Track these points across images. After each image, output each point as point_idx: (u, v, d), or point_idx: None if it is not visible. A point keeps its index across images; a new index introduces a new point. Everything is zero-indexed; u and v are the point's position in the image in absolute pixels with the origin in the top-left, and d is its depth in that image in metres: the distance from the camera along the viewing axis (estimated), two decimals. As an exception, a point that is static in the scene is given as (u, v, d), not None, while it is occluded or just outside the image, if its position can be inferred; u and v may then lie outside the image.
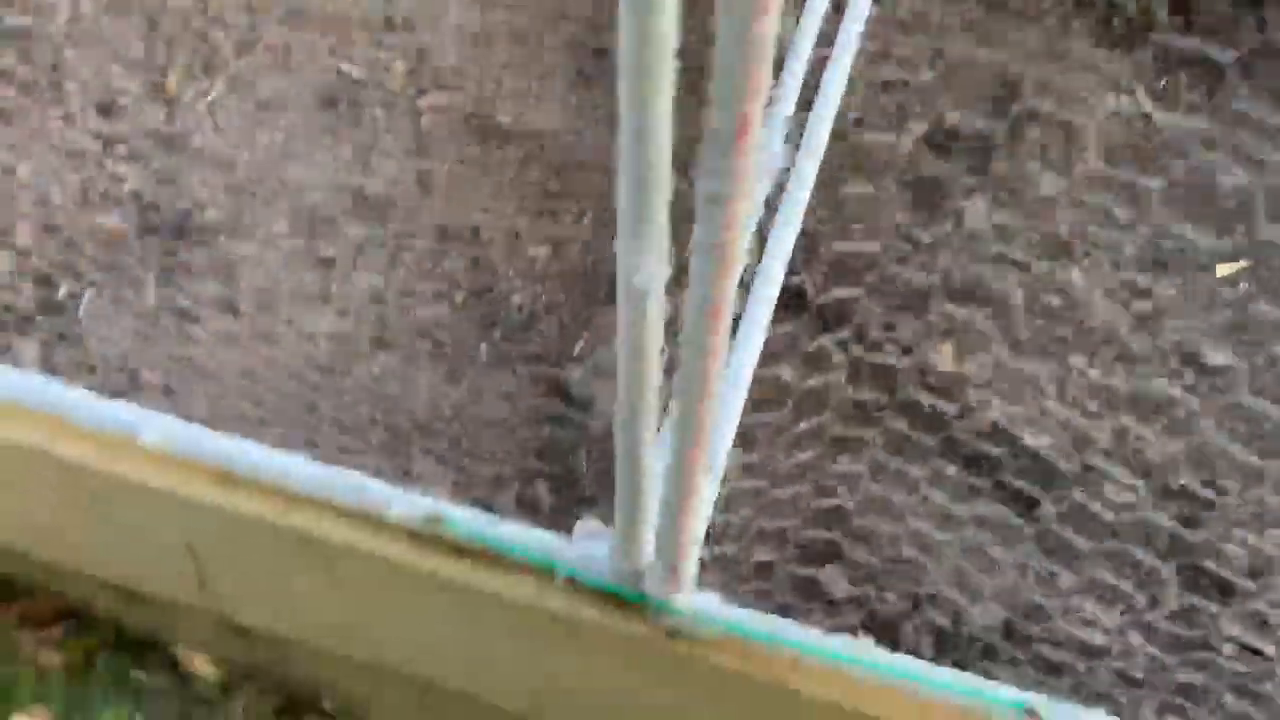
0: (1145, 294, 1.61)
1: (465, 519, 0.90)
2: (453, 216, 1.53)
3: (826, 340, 1.52)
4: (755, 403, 1.44)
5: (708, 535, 1.29)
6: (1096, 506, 1.31)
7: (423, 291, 1.45)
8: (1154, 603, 1.23)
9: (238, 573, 1.04)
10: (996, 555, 1.28)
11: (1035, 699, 0.81)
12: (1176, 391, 1.49)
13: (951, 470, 1.39)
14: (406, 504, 0.91)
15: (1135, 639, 1.18)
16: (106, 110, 1.60)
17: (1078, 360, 1.51)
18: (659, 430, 0.74)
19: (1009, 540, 1.30)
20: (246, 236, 1.48)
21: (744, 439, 1.41)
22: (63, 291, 1.39)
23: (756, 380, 1.47)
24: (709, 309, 0.62)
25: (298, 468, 0.93)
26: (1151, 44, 1.86)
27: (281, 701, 1.20)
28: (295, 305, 1.42)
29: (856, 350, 1.50)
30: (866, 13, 1.55)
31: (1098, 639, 1.17)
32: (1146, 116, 1.82)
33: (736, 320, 1.11)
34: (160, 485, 0.94)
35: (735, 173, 0.54)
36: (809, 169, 1.27)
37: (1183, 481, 1.36)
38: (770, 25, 0.48)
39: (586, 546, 0.87)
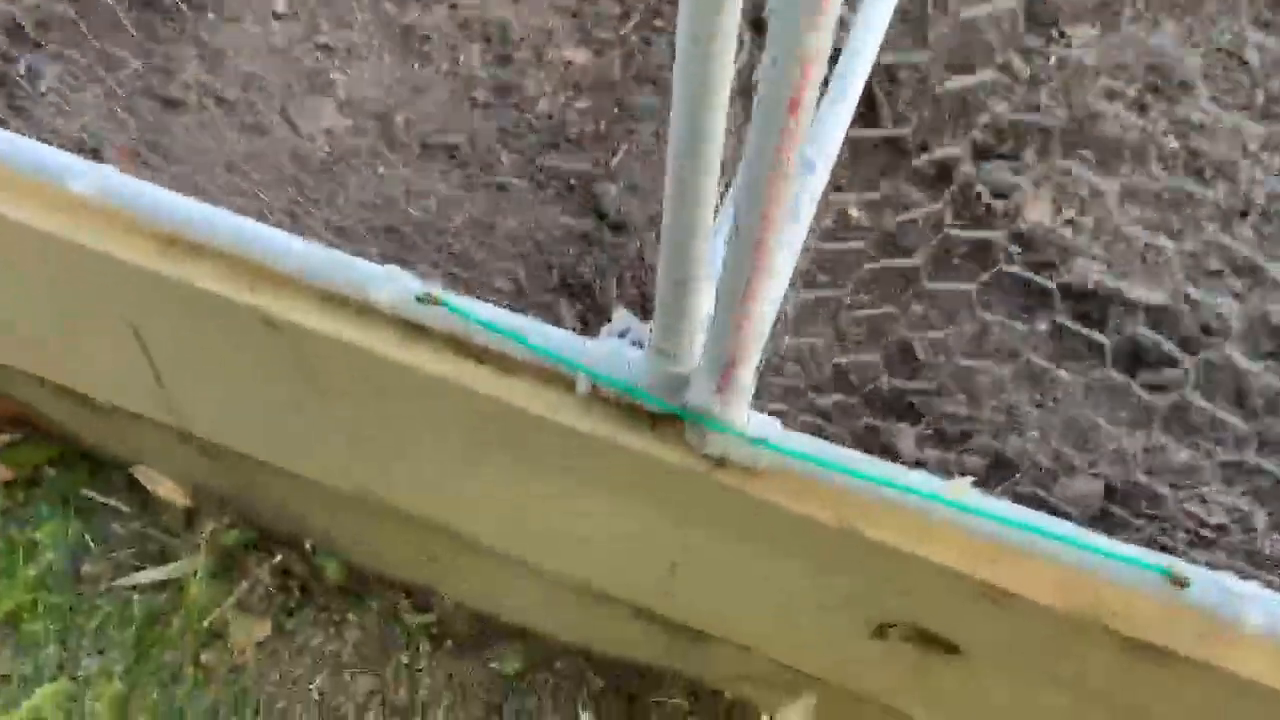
0: (1275, 145, 1.38)
1: (467, 304, 0.71)
2: (478, 9, 1.31)
3: (913, 178, 1.31)
4: (832, 237, 1.24)
5: (764, 363, 1.10)
6: (1216, 373, 1.11)
7: (439, 90, 1.24)
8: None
9: (194, 368, 0.86)
10: (1096, 422, 1.09)
11: (1179, 563, 0.62)
12: (1311, 252, 1.27)
13: (1045, 326, 1.19)
14: (396, 285, 0.72)
15: (1260, 520, 0.99)
16: None
17: (1198, 214, 1.29)
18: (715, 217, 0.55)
19: (1111, 407, 1.11)
20: (238, 15, 1.28)
21: (816, 271, 1.21)
22: (22, 66, 1.20)
23: (834, 216, 1.27)
24: (791, 63, 0.42)
25: (262, 236, 0.74)
26: None
27: (252, 536, 1.04)
28: (290, 95, 1.22)
29: (947, 190, 1.29)
30: None
31: (1215, 518, 0.98)
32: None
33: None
34: (95, 247, 0.76)
35: None
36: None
37: (1318, 352, 1.15)
38: None
39: (616, 345, 0.68)
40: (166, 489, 1.06)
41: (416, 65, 1.26)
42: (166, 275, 0.76)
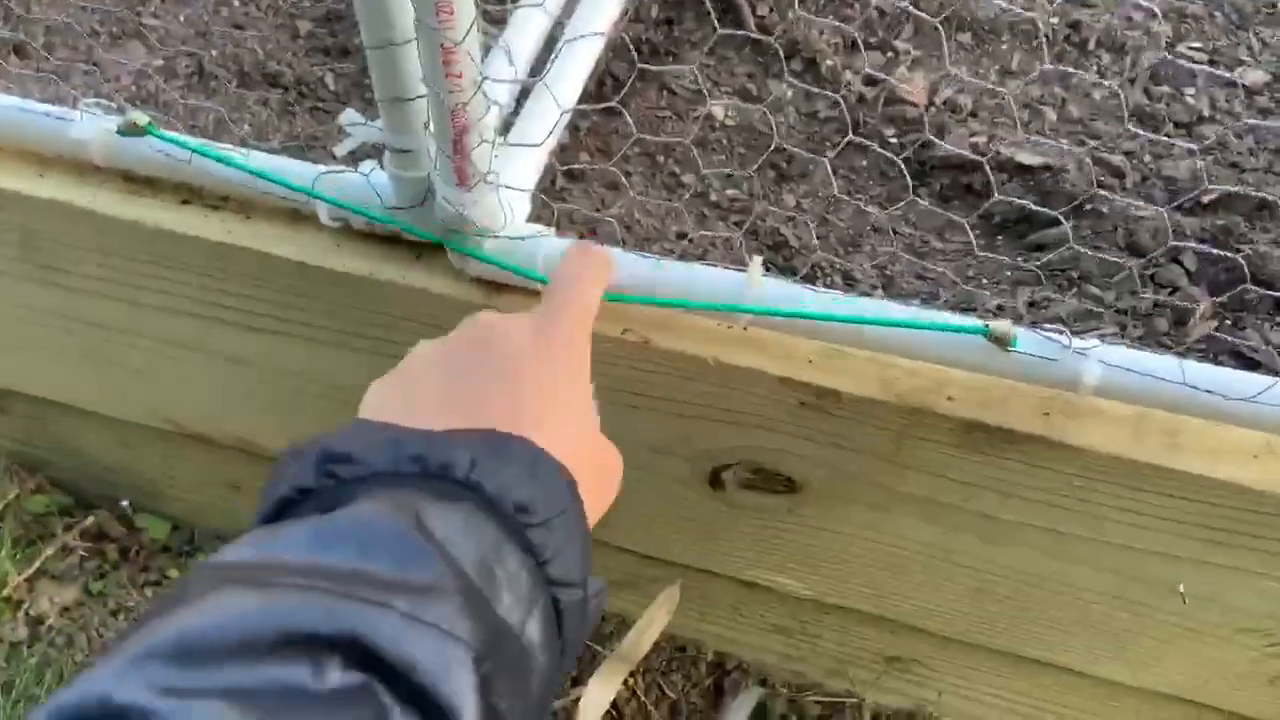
0: (1163, 13, 1.31)
1: (179, 136, 0.62)
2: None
3: (781, 75, 1.23)
4: (699, 143, 1.16)
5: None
6: (1104, 223, 1.03)
7: (259, 24, 1.17)
8: (1180, 325, 0.95)
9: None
10: (980, 284, 1.00)
11: (1000, 321, 0.53)
12: (1205, 109, 1.20)
13: (927, 200, 1.11)
14: (97, 122, 0.63)
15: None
16: None
17: (1082, 81, 1.21)
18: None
19: (997, 267, 1.02)
20: (44, -27, 1.20)
21: (656, 171, 1.13)
22: None
23: (676, 116, 1.19)
24: None
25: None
26: None
27: (66, 501, 0.94)
28: (98, 41, 1.14)
29: (806, 81, 1.22)
30: None
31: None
32: None
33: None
34: None
35: None
36: None
37: (1213, 198, 1.07)
38: None
39: (362, 170, 0.59)
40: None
41: (235, 3, 1.19)
42: None
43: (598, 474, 0.47)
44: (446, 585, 0.34)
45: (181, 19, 1.18)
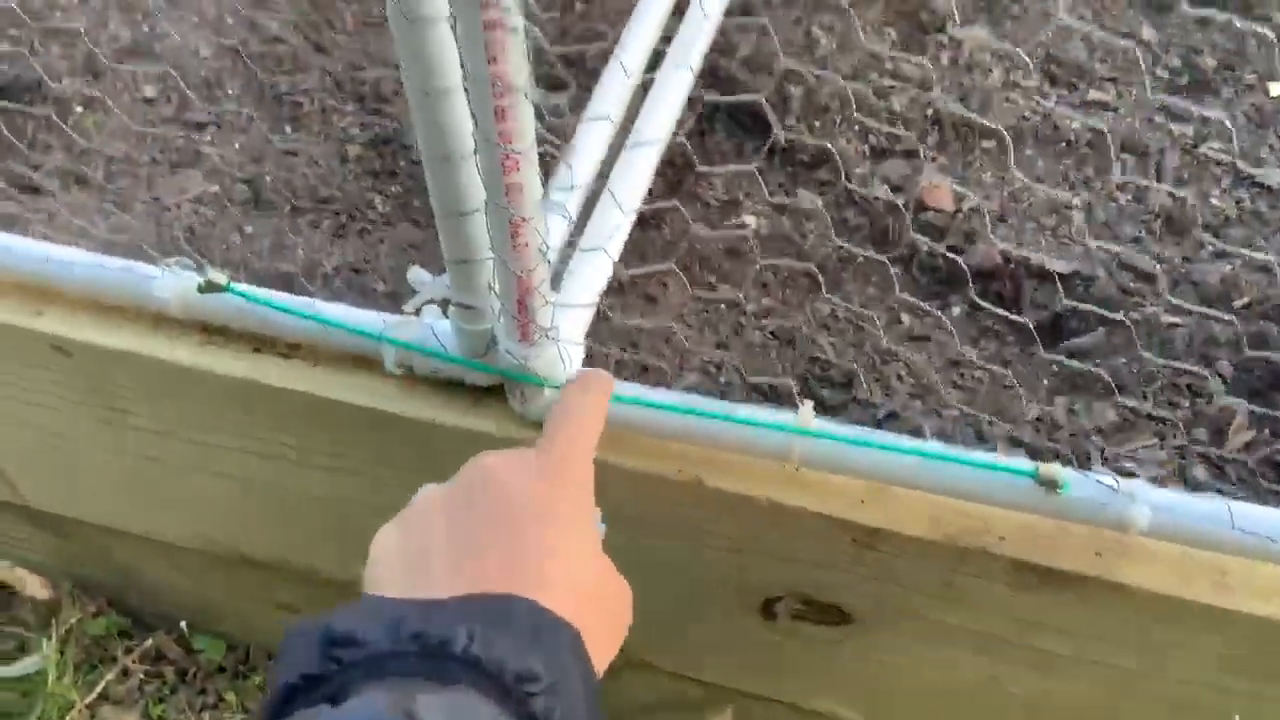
0: (1184, 117, 1.34)
1: (256, 291, 0.66)
2: (351, 71, 1.30)
3: (810, 184, 1.27)
4: (731, 251, 1.19)
5: (671, 380, 1.03)
6: (1140, 333, 1.04)
7: (312, 148, 1.22)
8: (1218, 436, 0.95)
9: (6, 418, 0.80)
10: (1017, 395, 1.02)
11: (1047, 466, 0.55)
12: (1231, 211, 1.22)
13: (958, 310, 1.13)
14: (178, 279, 0.66)
15: (1198, 473, 0.90)
16: (-42, -9, 1.40)
17: (1106, 186, 1.24)
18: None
19: (1032, 378, 1.04)
20: (105, 106, 1.26)
21: (716, 281, 1.16)
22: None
23: (709, 227, 1.22)
24: None
25: (38, 252, 0.69)
26: None
27: (124, 623, 0.96)
28: (157, 170, 1.20)
29: (836, 191, 1.25)
30: None
31: (1149, 472, 0.90)
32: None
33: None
34: None
35: None
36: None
37: (1247, 300, 1.09)
38: None
39: (426, 317, 0.62)
40: (18, 578, 0.98)
41: (288, 129, 1.24)
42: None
43: (607, 611, 0.48)
44: None
45: (237, 146, 1.23)
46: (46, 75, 1.28)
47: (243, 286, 0.65)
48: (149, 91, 1.29)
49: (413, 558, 0.46)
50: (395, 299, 1.06)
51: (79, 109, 1.26)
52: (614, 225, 0.69)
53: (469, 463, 0.51)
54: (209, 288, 0.64)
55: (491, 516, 0.46)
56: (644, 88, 1.06)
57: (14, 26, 1.34)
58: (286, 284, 1.07)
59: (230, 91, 1.29)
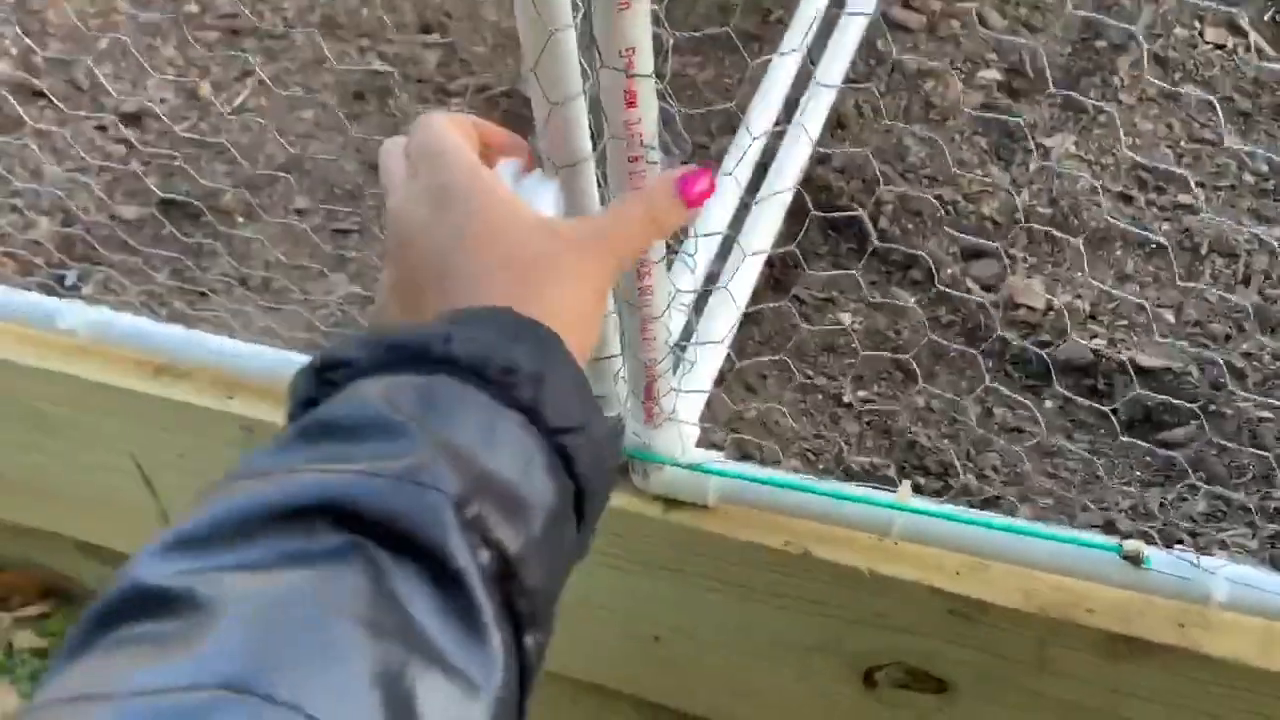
0: (1272, 219, 1.38)
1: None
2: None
3: (905, 284, 1.34)
4: (814, 349, 1.27)
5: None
6: (1226, 424, 1.07)
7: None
8: (1319, 526, 0.97)
9: (191, 491, 0.91)
10: (1110, 485, 1.05)
11: (1133, 541, 0.60)
12: (1322, 309, 1.25)
13: (1050, 403, 1.18)
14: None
15: (1298, 562, 0.93)
16: (137, 119, 1.59)
17: (1196, 285, 1.28)
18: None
19: (1125, 469, 1.07)
20: (264, 216, 1.41)
21: (792, 377, 1.23)
22: (70, 278, 1.34)
23: (809, 323, 1.30)
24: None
25: (230, 348, 0.81)
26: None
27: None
28: (308, 275, 1.33)
29: (928, 290, 1.32)
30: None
31: (1243, 561, 0.92)
32: (1250, 45, 1.61)
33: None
34: (93, 379, 0.83)
35: None
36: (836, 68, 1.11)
37: (1340, 396, 1.11)
38: None
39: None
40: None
41: (421, 236, 1.37)
42: (157, 395, 0.82)
43: (590, 331, 0.47)
44: (422, 447, 0.37)
45: (378, 250, 1.36)
46: (211, 192, 1.44)
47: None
48: (301, 203, 1.44)
49: (407, 295, 0.47)
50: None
51: (240, 219, 1.41)
52: (728, 320, 0.77)
53: (445, 166, 0.47)
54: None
55: (467, 241, 0.45)
56: (753, 190, 1.14)
57: (186, 147, 1.52)
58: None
59: (370, 203, 1.43)
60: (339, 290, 1.31)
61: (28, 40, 1.68)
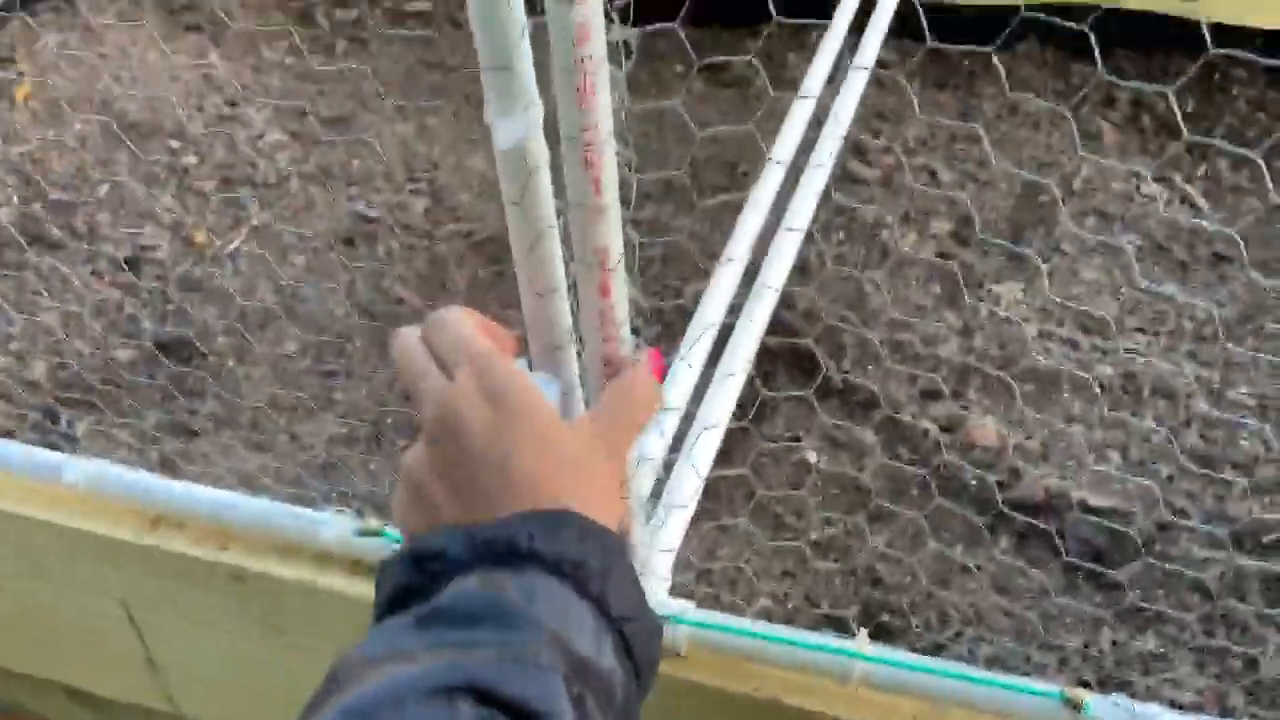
0: (1210, 363, 1.47)
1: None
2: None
3: (865, 422, 1.41)
4: (791, 484, 1.32)
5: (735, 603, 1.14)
6: (1178, 565, 1.13)
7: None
8: (1252, 665, 1.03)
9: (179, 641, 0.94)
10: (1063, 623, 1.11)
11: (1073, 689, 0.65)
12: (1259, 450, 1.33)
13: (1005, 540, 1.23)
14: (340, 524, 0.82)
15: (1237, 699, 0.98)
16: (134, 263, 1.66)
17: (1140, 426, 1.36)
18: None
19: (1075, 607, 1.13)
20: (252, 358, 1.47)
21: (782, 514, 1.28)
22: (64, 419, 1.39)
23: (775, 461, 1.36)
24: (581, 153, 0.55)
25: (226, 499, 0.86)
26: (1184, 138, 1.81)
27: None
28: (296, 415, 1.38)
29: (888, 430, 1.39)
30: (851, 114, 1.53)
31: (1187, 699, 0.97)
32: (1188, 201, 1.74)
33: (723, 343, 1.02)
34: (89, 529, 0.88)
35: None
36: (803, 210, 1.20)
37: (1277, 536, 1.18)
38: None
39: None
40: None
41: (406, 379, 1.43)
42: (151, 546, 0.86)
43: (609, 488, 0.55)
44: (537, 635, 0.44)
45: (364, 392, 1.42)
46: (203, 333, 1.51)
47: (391, 529, 0.79)
48: (290, 347, 1.50)
49: (459, 482, 0.52)
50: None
51: (231, 362, 1.47)
52: (694, 486, 0.83)
53: (494, 372, 0.54)
54: (368, 532, 0.79)
55: (526, 442, 0.52)
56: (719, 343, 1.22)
57: (180, 291, 1.59)
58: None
59: (358, 345, 1.50)
60: (326, 431, 1.36)
61: (30, 186, 1.76)
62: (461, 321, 0.57)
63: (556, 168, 0.58)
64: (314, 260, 1.66)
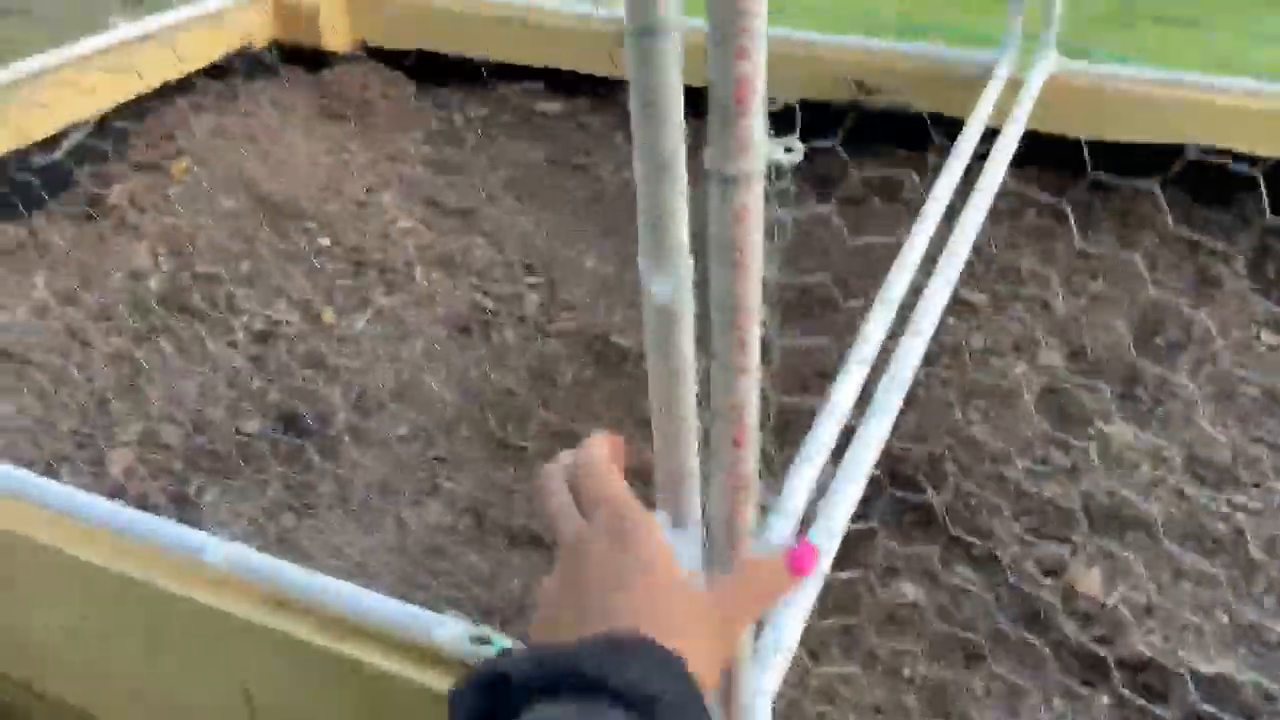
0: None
1: (515, 644, 0.83)
2: (566, 423, 1.55)
3: (966, 559, 1.39)
4: (890, 618, 1.31)
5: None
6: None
7: (528, 490, 1.44)
8: None
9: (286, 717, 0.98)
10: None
11: None
12: (1383, 626, 1.27)
13: (1106, 699, 1.20)
14: (454, 628, 0.85)
15: None
16: (265, 337, 1.75)
17: (1252, 589, 1.32)
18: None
19: (1180, 778, 1.09)
20: (368, 440, 1.54)
21: (877, 647, 1.27)
22: (194, 487, 1.46)
23: (876, 597, 1.35)
24: (730, 319, 0.59)
25: (348, 592, 0.90)
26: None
27: None
28: (404, 498, 1.43)
29: (989, 569, 1.37)
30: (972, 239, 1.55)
31: None
32: (1309, 350, 1.70)
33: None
34: (219, 607, 0.93)
35: (740, 145, 0.53)
36: (914, 347, 1.22)
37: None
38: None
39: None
40: None
41: (512, 470, 1.47)
42: (276, 629, 0.91)
43: (711, 647, 0.56)
44: None
45: (470, 482, 1.46)
46: (324, 410, 1.58)
47: (505, 641, 0.82)
48: (402, 429, 1.56)
49: (576, 609, 0.55)
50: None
51: (347, 439, 1.53)
52: (796, 630, 0.84)
53: (625, 517, 0.58)
54: (478, 639, 0.82)
55: (638, 588, 0.55)
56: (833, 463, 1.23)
57: (305, 367, 1.67)
58: (517, 611, 1.25)
59: (464, 433, 1.55)
60: (431, 518, 1.40)
61: (179, 258, 1.88)
62: (607, 470, 0.61)
63: (701, 316, 0.62)
64: (431, 346, 1.73)
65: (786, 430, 1.50)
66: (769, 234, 0.58)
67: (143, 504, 1.43)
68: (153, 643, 1.00)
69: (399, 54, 2.51)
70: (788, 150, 0.54)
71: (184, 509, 1.42)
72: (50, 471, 1.45)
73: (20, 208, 1.96)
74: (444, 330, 1.77)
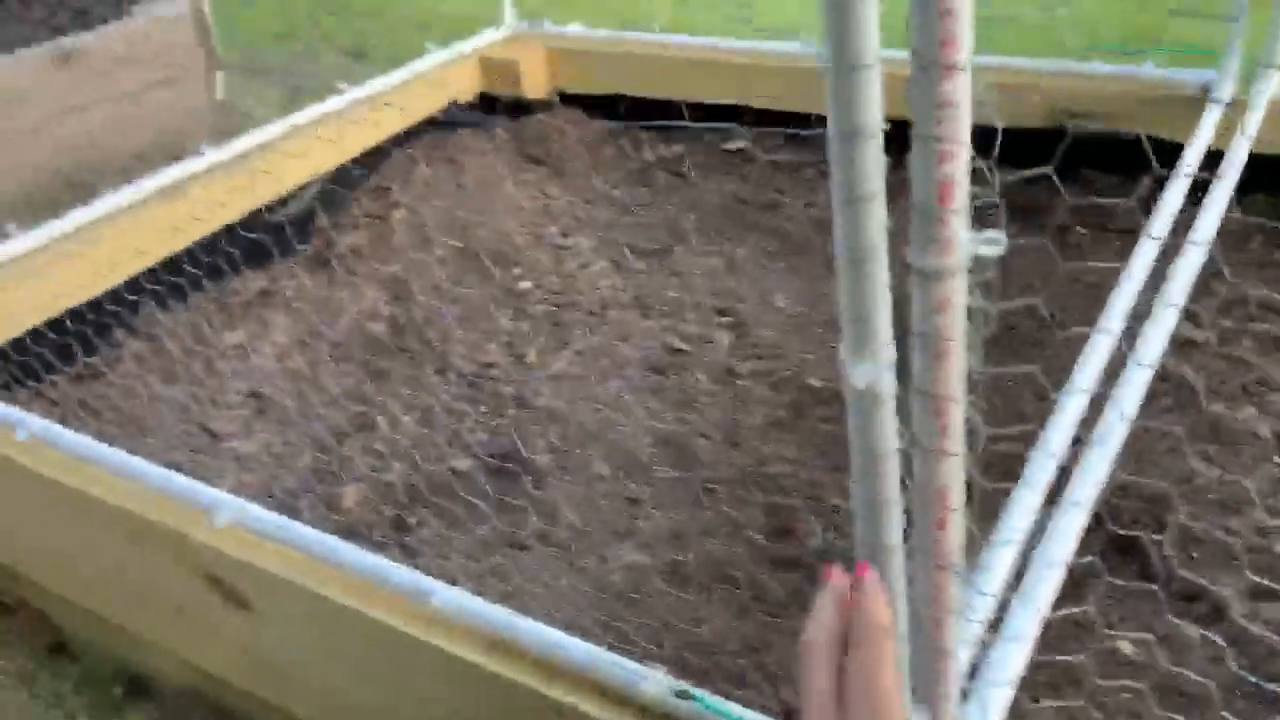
0: None
1: (720, 703, 0.86)
2: (759, 467, 1.56)
3: (1186, 616, 1.31)
4: (1107, 676, 1.26)
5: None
6: None
7: (721, 531, 1.46)
8: None
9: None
10: None
11: None
12: None
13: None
14: (659, 682, 0.88)
15: None
16: (478, 377, 1.86)
17: None
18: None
19: None
20: (570, 478, 1.60)
21: (1091, 708, 1.22)
22: (414, 518, 1.57)
23: (1083, 645, 1.29)
24: (932, 405, 0.59)
25: (553, 639, 0.95)
26: None
27: None
28: (603, 539, 1.49)
29: (1212, 628, 1.29)
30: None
31: None
32: None
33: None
34: (437, 644, 1.00)
35: (942, 243, 0.54)
36: (1130, 398, 1.17)
37: None
38: (960, 81, 0.50)
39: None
40: None
41: (709, 513, 1.50)
42: (490, 670, 0.97)
43: None
44: None
45: (665, 522, 1.50)
46: (529, 449, 1.66)
47: (710, 698, 0.85)
48: (602, 469, 1.62)
49: None
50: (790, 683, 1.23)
51: (550, 479, 1.61)
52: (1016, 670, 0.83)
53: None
54: (682, 695, 0.85)
55: None
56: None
57: (510, 408, 1.76)
58: (707, 659, 1.27)
59: (661, 474, 1.59)
60: (626, 558, 1.45)
61: (399, 302, 2.03)
62: (878, 663, 0.58)
63: (903, 398, 0.63)
64: (626, 387, 1.79)
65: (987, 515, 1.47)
66: (972, 322, 0.58)
67: (368, 536, 1.55)
68: (368, 675, 1.08)
69: (593, 99, 2.61)
70: (990, 243, 0.55)
71: (405, 538, 1.53)
72: (290, 505, 1.59)
73: (266, 258, 2.17)
74: (638, 372, 1.83)
